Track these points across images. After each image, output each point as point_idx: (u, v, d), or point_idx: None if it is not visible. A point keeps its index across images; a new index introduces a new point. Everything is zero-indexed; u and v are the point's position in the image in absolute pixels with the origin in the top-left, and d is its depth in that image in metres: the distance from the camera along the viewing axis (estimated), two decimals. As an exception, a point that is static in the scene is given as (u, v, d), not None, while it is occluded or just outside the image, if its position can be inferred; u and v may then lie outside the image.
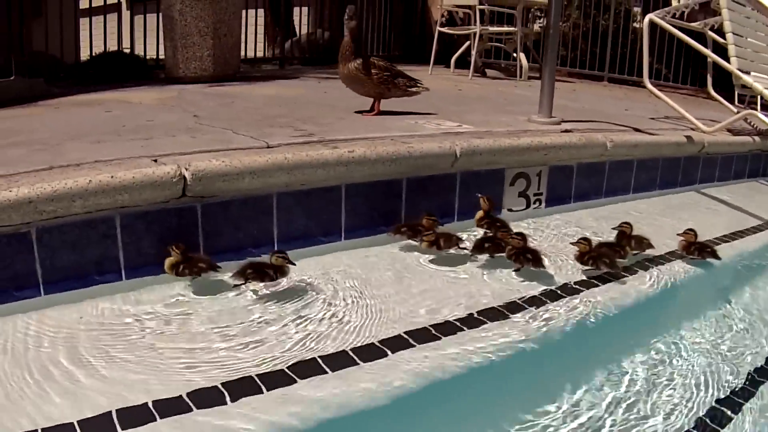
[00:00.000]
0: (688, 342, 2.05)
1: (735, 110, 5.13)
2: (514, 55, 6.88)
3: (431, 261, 2.41)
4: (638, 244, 2.62)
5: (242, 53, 6.91)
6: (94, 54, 5.88)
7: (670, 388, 1.75)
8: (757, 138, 5.02)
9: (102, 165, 2.24)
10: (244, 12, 7.45)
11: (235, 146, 2.56)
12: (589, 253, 2.40)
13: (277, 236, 2.33)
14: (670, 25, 5.23)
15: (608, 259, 2.38)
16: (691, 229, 2.69)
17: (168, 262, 2.10)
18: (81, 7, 6.36)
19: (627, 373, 1.81)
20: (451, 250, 2.40)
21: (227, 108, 3.81)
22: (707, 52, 4.98)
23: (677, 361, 1.91)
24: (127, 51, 6.26)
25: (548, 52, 3.73)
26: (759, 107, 4.95)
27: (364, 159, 2.41)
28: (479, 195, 2.63)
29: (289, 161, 2.27)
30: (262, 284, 2.10)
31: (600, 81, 7.73)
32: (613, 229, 2.65)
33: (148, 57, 6.33)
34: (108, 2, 6.57)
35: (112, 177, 2.07)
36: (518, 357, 1.84)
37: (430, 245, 2.35)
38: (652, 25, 4.85)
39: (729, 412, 1.65)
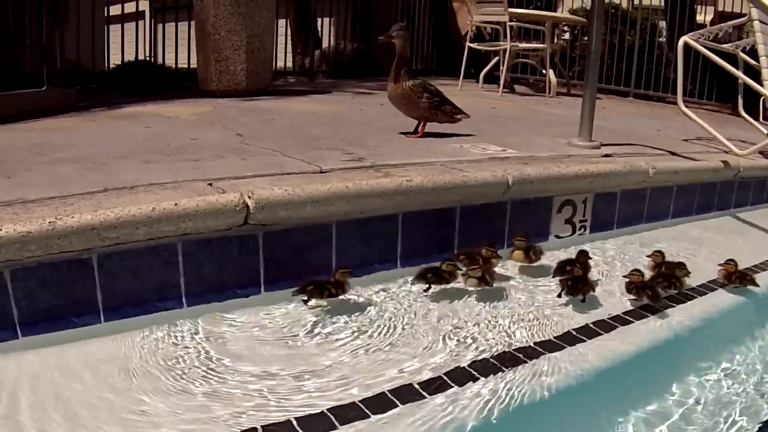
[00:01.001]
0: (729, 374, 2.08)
1: (765, 131, 5.13)
2: (543, 71, 6.91)
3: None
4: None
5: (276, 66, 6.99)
6: (120, 63, 5.93)
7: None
8: (788, 161, 5.02)
9: (157, 188, 2.27)
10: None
11: (288, 170, 2.59)
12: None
13: (335, 263, 2.35)
14: (704, 46, 5.25)
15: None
16: (731, 259, 2.70)
17: None
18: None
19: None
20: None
21: (268, 126, 3.85)
22: (740, 74, 4.99)
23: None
24: (151, 61, 6.34)
25: (590, 75, 3.74)
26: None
27: (422, 188, 2.44)
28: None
29: (350, 190, 2.30)
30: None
31: (626, 96, 7.75)
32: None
33: (178, 67, 6.40)
34: (131, 11, 6.70)
35: (176, 204, 2.10)
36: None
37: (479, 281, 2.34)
38: (687, 47, 4.88)
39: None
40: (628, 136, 4.58)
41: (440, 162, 2.84)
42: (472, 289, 2.33)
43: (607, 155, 3.51)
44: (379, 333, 2.06)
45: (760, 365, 2.17)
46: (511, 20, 6.29)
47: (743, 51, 5.47)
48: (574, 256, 2.59)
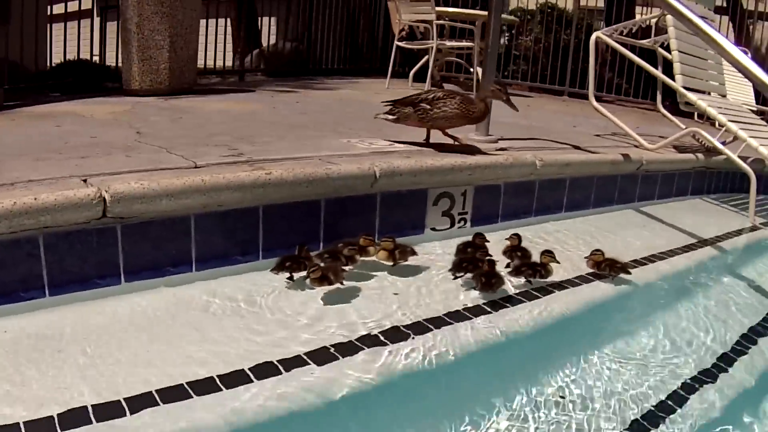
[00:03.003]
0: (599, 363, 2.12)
1: (684, 126, 5.23)
2: (471, 69, 6.99)
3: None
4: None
5: (205, 65, 7.00)
6: (57, 63, 5.92)
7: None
8: (701, 155, 5.13)
9: (35, 185, 2.31)
10: (213, 21, 7.57)
11: (163, 166, 2.64)
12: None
13: (195, 256, 2.40)
14: (620, 42, 5.36)
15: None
16: (598, 250, 2.80)
17: None
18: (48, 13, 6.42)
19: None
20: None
21: (174, 124, 3.89)
22: (651, 68, 5.10)
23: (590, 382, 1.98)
24: (99, 59, 6.34)
25: (486, 71, 3.81)
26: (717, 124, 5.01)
27: (281, 181, 2.49)
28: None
29: (206, 183, 2.35)
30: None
31: (561, 95, 7.88)
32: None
33: (119, 66, 6.38)
34: (75, 9, 6.66)
35: (35, 199, 2.14)
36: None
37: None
38: (602, 42, 4.99)
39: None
40: (541, 132, 4.66)
41: (319, 156, 2.89)
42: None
43: (502, 149, 3.59)
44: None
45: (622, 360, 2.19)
46: (438, 18, 6.36)
47: (662, 47, 5.58)
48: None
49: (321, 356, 1.94)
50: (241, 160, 2.80)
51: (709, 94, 5.39)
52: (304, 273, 2.37)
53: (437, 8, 6.43)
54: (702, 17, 2.78)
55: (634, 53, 5.11)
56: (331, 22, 8.56)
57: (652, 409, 1.86)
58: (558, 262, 2.69)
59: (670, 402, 1.91)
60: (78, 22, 6.84)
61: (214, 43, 7.47)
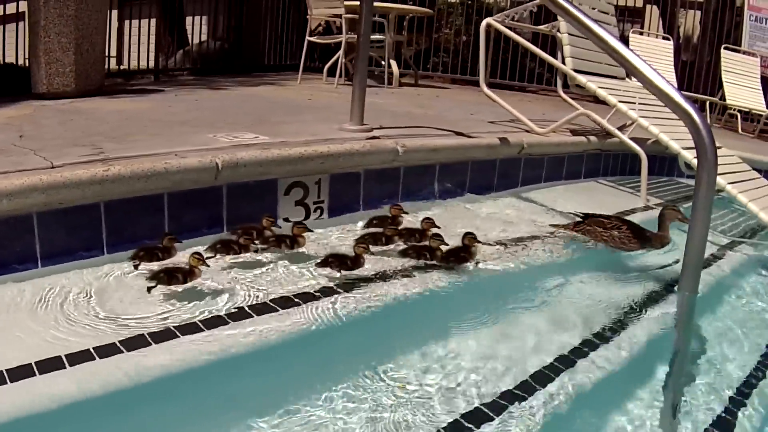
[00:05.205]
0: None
1: (581, 108, 5.37)
2: (382, 62, 7.13)
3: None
4: None
5: (129, 64, 7.09)
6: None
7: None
8: (593, 138, 5.30)
9: None
10: (136, 22, 7.65)
11: (22, 167, 2.75)
12: None
13: (39, 253, 2.53)
14: (513, 28, 5.53)
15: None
16: (437, 235, 2.92)
17: None
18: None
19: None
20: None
21: (61, 126, 3.98)
22: (539, 51, 5.26)
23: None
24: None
25: (359, 62, 3.91)
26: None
27: (119, 177, 2.62)
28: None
29: (44, 182, 2.48)
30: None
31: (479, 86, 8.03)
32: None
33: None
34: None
35: None
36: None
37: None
38: (494, 28, 5.13)
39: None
40: (433, 120, 4.76)
41: (175, 152, 3.00)
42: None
43: (374, 137, 3.70)
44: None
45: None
46: (348, 12, 6.48)
47: (560, 31, 5.73)
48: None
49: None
50: (97, 158, 2.92)
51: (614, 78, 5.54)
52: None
53: (346, 2, 6.55)
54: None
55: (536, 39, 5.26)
56: (263, 20, 8.66)
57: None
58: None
59: (518, 392, 2.01)
60: (3, 26, 6.89)
61: (137, 44, 7.56)
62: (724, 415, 2.00)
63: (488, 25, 5.11)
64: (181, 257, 2.58)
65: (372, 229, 3.07)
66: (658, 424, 1.92)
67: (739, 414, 2.03)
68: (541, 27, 5.82)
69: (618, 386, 2.18)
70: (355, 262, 2.63)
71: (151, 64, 7.85)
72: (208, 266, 2.47)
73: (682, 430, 1.94)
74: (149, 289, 2.39)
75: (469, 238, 2.90)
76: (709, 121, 8.34)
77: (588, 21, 3.11)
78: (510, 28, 5.45)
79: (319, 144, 3.25)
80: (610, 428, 1.89)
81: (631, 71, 2.99)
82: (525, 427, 1.83)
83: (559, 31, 5.42)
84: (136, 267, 2.56)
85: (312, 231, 2.84)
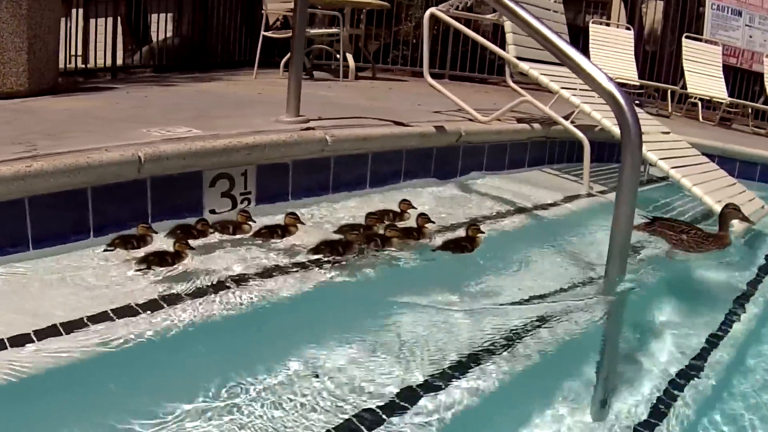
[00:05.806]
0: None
1: (527, 96, 5.45)
2: (337, 55, 7.21)
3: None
4: None
5: (96, 63, 7.16)
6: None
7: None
8: (537, 125, 5.39)
9: None
10: (102, 20, 7.73)
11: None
12: None
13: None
14: (456, 17, 5.63)
15: None
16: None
17: None
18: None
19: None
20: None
21: (6, 125, 4.05)
22: (482, 40, 5.36)
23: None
24: None
25: (294, 55, 4.01)
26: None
27: (42, 172, 2.68)
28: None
29: (-37, 179, 2.57)
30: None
31: (441, 79, 8.17)
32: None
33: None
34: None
35: None
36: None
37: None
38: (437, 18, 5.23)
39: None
40: (378, 112, 4.78)
41: (105, 147, 3.05)
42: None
43: (309, 128, 3.78)
44: None
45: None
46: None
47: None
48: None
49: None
50: (28, 155, 3.00)
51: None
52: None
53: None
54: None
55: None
56: (229, 15, 8.74)
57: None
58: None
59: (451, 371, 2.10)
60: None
61: (103, 42, 7.64)
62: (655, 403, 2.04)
63: (431, 15, 5.19)
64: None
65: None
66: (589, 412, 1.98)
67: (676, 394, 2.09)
68: (488, 16, 5.92)
69: (545, 375, 2.22)
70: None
71: (118, 62, 7.94)
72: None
73: (612, 417, 1.97)
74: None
75: (422, 218, 3.09)
76: (670, 109, 8.52)
77: (513, 5, 3.00)
78: (456, 19, 5.56)
79: (245, 136, 3.33)
80: (539, 419, 1.93)
81: (555, 53, 2.95)
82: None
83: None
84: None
85: (304, 224, 3.10)
